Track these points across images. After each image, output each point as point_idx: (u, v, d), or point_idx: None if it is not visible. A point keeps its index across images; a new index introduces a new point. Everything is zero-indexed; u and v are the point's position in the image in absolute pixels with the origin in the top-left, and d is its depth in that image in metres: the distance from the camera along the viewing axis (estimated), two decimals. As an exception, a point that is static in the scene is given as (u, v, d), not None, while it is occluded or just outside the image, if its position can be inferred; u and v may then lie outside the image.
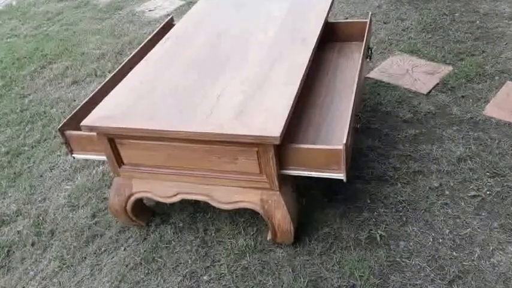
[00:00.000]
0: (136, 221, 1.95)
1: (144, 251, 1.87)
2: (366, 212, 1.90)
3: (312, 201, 1.97)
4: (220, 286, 1.70)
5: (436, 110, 2.40)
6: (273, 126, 1.49)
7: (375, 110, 2.46)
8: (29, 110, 2.91)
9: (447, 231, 1.78)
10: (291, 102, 1.60)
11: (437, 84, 2.57)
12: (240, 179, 1.66)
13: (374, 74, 2.73)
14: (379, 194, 1.97)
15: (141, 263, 1.82)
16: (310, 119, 1.90)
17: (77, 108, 1.88)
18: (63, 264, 1.88)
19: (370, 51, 2.24)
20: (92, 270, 1.83)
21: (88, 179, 2.28)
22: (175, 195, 1.79)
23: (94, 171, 2.33)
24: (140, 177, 1.80)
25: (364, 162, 2.13)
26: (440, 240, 1.75)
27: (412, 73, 2.68)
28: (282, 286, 1.66)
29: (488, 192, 1.91)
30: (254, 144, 1.54)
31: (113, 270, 1.82)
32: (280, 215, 1.67)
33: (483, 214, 1.83)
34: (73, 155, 1.87)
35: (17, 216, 2.15)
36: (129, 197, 1.85)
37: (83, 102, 1.90)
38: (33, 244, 1.99)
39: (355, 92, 1.75)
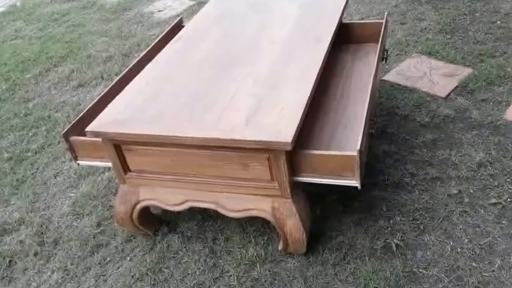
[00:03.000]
0: (142, 229, 1.98)
1: (151, 261, 1.91)
2: (382, 220, 1.92)
3: (326, 209, 1.99)
4: (231, 297, 1.73)
5: (455, 114, 2.41)
6: (284, 132, 1.52)
7: (391, 113, 2.48)
8: (33, 114, 2.98)
9: (466, 240, 1.79)
10: (304, 106, 1.63)
11: (456, 87, 2.58)
12: (250, 186, 1.69)
13: (390, 77, 2.75)
14: (396, 202, 1.98)
15: (147, 274, 1.86)
16: (323, 123, 1.93)
17: (82, 113, 1.93)
18: (67, 275, 1.92)
19: (386, 53, 2.26)
20: (96, 281, 1.87)
21: (93, 186, 2.33)
22: (183, 202, 1.82)
23: (99, 178, 2.37)
24: (147, 184, 1.84)
25: (380, 168, 2.15)
26: (459, 250, 1.76)
27: (430, 76, 2.70)
28: (294, 298, 1.69)
29: (509, 200, 1.92)
30: (265, 150, 1.57)
31: (118, 281, 1.86)
32: (292, 224, 1.69)
33: (504, 222, 1.84)
34: (77, 162, 1.92)
35: (19, 225, 2.20)
36: (135, 205, 1.89)
37: (88, 106, 1.95)
38: (36, 254, 2.04)
39: (370, 96, 1.78)
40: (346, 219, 1.94)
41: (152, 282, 1.83)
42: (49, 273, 1.94)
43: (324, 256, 1.81)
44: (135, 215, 1.91)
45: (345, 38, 2.44)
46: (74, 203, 2.26)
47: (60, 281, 1.90)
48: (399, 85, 2.68)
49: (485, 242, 1.78)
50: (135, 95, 1.85)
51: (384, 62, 2.25)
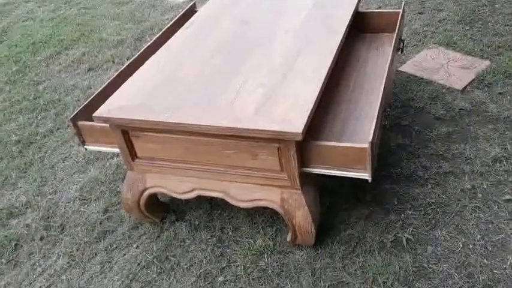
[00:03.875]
0: (149, 217, 1.99)
1: (157, 249, 1.91)
2: (393, 214, 1.90)
3: (336, 202, 1.98)
4: (235, 287, 1.72)
5: (471, 107, 2.37)
6: (295, 122, 1.50)
7: (406, 105, 2.44)
8: (43, 97, 2.98)
9: (478, 236, 1.77)
10: (316, 96, 1.60)
11: (474, 79, 2.54)
12: (259, 176, 1.67)
13: (407, 68, 2.71)
14: (408, 195, 1.96)
15: (153, 262, 1.86)
16: (336, 113, 1.90)
17: (91, 97, 1.92)
18: (73, 261, 1.93)
19: (402, 44, 2.22)
20: (102, 268, 1.88)
21: (101, 171, 2.33)
22: (191, 191, 1.82)
23: (108, 163, 2.38)
24: (155, 171, 1.83)
25: (392, 161, 2.13)
26: (471, 246, 1.74)
27: (447, 67, 2.65)
28: (301, 290, 1.68)
29: (525, 197, 1.89)
30: (275, 140, 1.55)
31: (124, 268, 1.86)
32: (301, 215, 1.68)
33: (519, 220, 1.81)
34: (85, 147, 1.92)
35: (26, 209, 2.21)
36: (142, 192, 1.89)
37: (98, 91, 1.94)
38: (42, 238, 2.05)
39: (384, 87, 1.75)
40: (356, 212, 1.92)
41: (158, 271, 1.83)
42: (54, 258, 1.96)
43: (332, 249, 1.80)
44: (142, 202, 1.91)
45: (361, 27, 2.40)
46: (82, 188, 2.27)
47: (65, 266, 1.91)
48: (415, 76, 2.64)
49: (498, 239, 1.75)
50: (144, 81, 1.83)
51: (399, 52, 2.21)
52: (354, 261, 1.74)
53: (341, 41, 1.92)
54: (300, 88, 1.66)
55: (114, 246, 1.97)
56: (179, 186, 1.83)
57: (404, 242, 1.78)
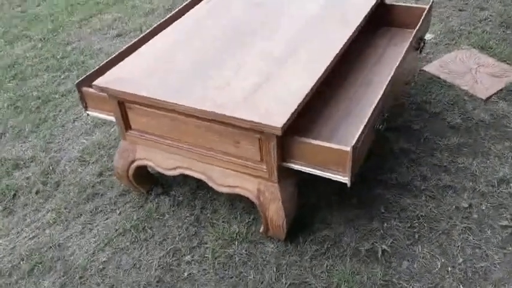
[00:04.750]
0: (137, 187, 2.00)
1: (137, 218, 1.93)
2: (376, 222, 1.80)
3: (321, 200, 1.90)
4: (200, 270, 1.71)
5: (490, 119, 2.19)
6: (278, 115, 1.44)
7: (421, 109, 2.30)
8: (69, 57, 3.06)
9: (461, 260, 1.65)
10: (307, 91, 1.53)
11: (501, 90, 2.33)
12: (239, 164, 1.63)
13: (431, 68, 2.54)
14: (397, 205, 1.86)
15: (130, 230, 1.89)
16: (333, 111, 1.81)
17: (100, 65, 1.93)
18: (59, 218, 1.99)
19: (422, 43, 2.06)
20: (83, 228, 1.93)
21: (105, 136, 2.38)
22: (174, 168, 1.81)
23: (112, 129, 2.42)
24: (144, 144, 1.84)
25: (391, 166, 2.01)
26: (449, 269, 1.63)
27: (475, 73, 2.46)
28: (262, 283, 1.65)
29: (524, 225, 1.74)
30: (257, 131, 1.50)
31: (102, 232, 1.90)
32: (275, 209, 1.63)
33: (509, 249, 1.67)
34: (87, 112, 1.95)
35: (30, 162, 2.30)
36: (131, 162, 1.90)
37: (108, 59, 1.95)
38: (37, 192, 2.13)
39: (384, 89, 1.63)
40: (339, 214, 1.85)
41: (132, 239, 1.85)
42: (44, 213, 2.03)
43: (304, 247, 1.74)
44: (130, 171, 1.93)
45: (386, 21, 2.27)
46: (84, 149, 2.32)
47: (51, 221, 1.98)
48: (438, 78, 2.46)
49: (481, 266, 1.63)
50: (146, 56, 1.83)
51: (419, 52, 2.06)
52: (322, 264, 1.68)
53: (352, 34, 1.81)
54: (293, 81, 1.59)
55: (99, 209, 2.01)
56: (165, 162, 1.82)
57: (380, 253, 1.69)
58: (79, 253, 1.84)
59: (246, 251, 1.75)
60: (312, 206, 1.89)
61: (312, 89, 1.56)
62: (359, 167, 1.55)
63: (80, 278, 1.75)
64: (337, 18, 1.92)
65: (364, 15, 1.92)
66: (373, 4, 2.00)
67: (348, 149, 1.42)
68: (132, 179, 1.95)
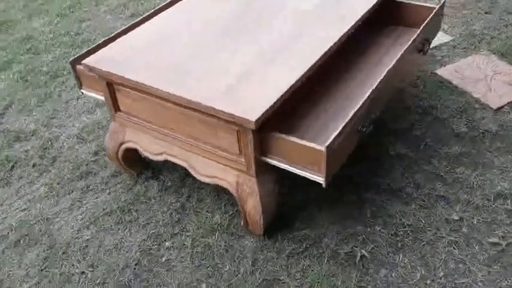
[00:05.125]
0: (127, 169, 2.04)
1: (125, 200, 1.97)
2: (361, 226, 1.78)
3: (307, 198, 1.89)
4: (178, 257, 1.74)
5: (498, 130, 2.12)
6: (255, 109, 1.43)
7: (426, 113, 2.24)
8: (83, 35, 3.12)
9: (442, 273, 1.62)
10: (287, 88, 1.51)
11: (514, 100, 2.25)
12: (219, 155, 1.64)
13: (444, 72, 2.46)
14: (384, 210, 1.83)
15: (116, 211, 1.93)
16: (325, 110, 1.79)
17: (97, 43, 1.96)
18: (50, 193, 2.05)
19: (427, 45, 2.01)
20: (72, 205, 1.98)
21: (105, 116, 2.42)
22: (160, 153, 1.83)
23: (114, 110, 2.45)
24: (132, 127, 1.86)
25: (385, 170, 1.98)
26: (428, 282, 1.60)
27: (490, 80, 2.37)
28: (236, 276, 1.66)
29: (514, 244, 1.68)
30: (235, 123, 1.50)
31: (90, 210, 1.95)
32: (252, 204, 1.63)
33: (495, 268, 1.62)
34: (82, 90, 1.99)
35: (31, 136, 2.37)
36: (121, 144, 1.93)
37: (105, 38, 1.97)
38: (34, 166, 2.19)
39: (373, 91, 1.59)
40: (323, 214, 1.83)
41: (117, 220, 1.89)
42: (37, 186, 2.09)
43: (282, 244, 1.74)
44: (120, 153, 1.96)
45: (394, 19, 2.21)
46: (84, 127, 2.37)
47: (43, 196, 2.04)
48: (450, 83, 2.39)
49: (462, 283, 1.59)
50: (139, 39, 1.84)
51: (422, 54, 2.00)
52: (298, 263, 1.68)
53: (348, 31, 1.78)
54: (279, 75, 1.57)
55: (90, 188, 2.05)
56: (151, 146, 1.84)
57: (358, 258, 1.67)
58: (65, 229, 1.89)
59: (225, 242, 1.77)
60: (297, 203, 1.88)
61: (292, 85, 1.53)
62: (338, 168, 1.53)
63: (63, 253, 1.80)
64: (335, 14, 1.87)
65: (363, 13, 1.87)
66: (375, 1, 1.95)
67: (322, 148, 1.40)
68: (122, 161, 1.99)
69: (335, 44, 1.71)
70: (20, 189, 2.09)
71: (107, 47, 1.81)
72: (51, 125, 2.42)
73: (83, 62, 1.76)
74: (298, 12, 1.90)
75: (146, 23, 1.95)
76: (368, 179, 1.95)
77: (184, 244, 1.78)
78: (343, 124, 1.46)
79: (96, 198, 2.00)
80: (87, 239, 1.84)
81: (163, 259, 1.74)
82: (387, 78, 1.68)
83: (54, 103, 2.56)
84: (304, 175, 1.51)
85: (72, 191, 2.05)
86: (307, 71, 1.59)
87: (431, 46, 2.62)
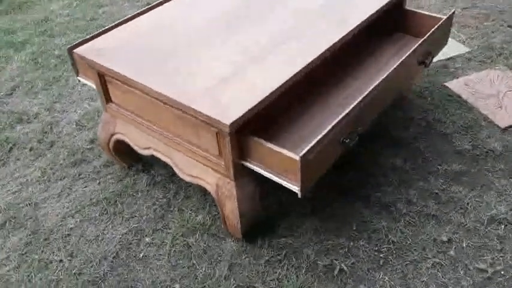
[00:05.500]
0: (118, 160, 2.06)
1: (112, 191, 1.99)
2: (344, 239, 1.75)
3: (293, 205, 1.87)
4: (156, 254, 1.74)
5: (503, 151, 2.04)
6: (232, 112, 1.41)
7: (430, 127, 2.17)
8: (98, 20, 3.15)
9: (420, 296, 1.57)
10: (270, 91, 1.48)
11: (524, 120, 2.16)
12: (201, 155, 1.63)
13: (455, 85, 2.38)
14: (371, 225, 1.79)
15: (102, 202, 1.94)
16: (314, 117, 1.75)
17: (98, 31, 1.97)
18: (43, 177, 2.08)
19: (430, 58, 1.93)
20: (61, 192, 2.01)
21: (107, 105, 2.44)
22: (147, 148, 1.83)
23: (116, 99, 2.47)
24: (123, 119, 1.87)
25: (379, 183, 1.93)
26: (404, 304, 1.56)
27: (502, 97, 2.28)
28: (210, 279, 1.65)
29: (502, 273, 1.62)
30: (213, 125, 1.49)
31: (77, 199, 1.97)
32: (230, 207, 1.62)
33: (477, 295, 1.57)
34: (78, 78, 2.00)
35: (34, 119, 2.41)
36: (111, 135, 1.95)
37: (107, 27, 1.98)
38: (31, 149, 2.23)
39: (357, 104, 1.54)
40: (307, 223, 1.80)
41: (102, 211, 1.91)
42: (31, 170, 2.13)
43: (261, 250, 1.72)
44: (111, 144, 1.98)
45: (402, 27, 2.15)
46: (85, 114, 2.40)
47: (35, 180, 2.08)
48: (459, 97, 2.32)
49: (440, 307, 1.55)
50: (133, 30, 1.84)
51: (424, 67, 1.94)
52: (275, 271, 1.66)
53: (346, 36, 1.73)
54: (267, 77, 1.55)
55: (82, 176, 2.08)
56: (139, 140, 1.85)
57: (337, 271, 1.64)
58: (51, 215, 1.92)
59: (205, 243, 1.76)
60: (282, 208, 1.86)
61: (276, 90, 1.50)
62: (317, 178, 1.50)
63: (45, 240, 1.83)
64: (337, 16, 1.83)
65: (365, 17, 1.82)
66: (379, 7, 1.89)
67: (297, 158, 1.37)
68: (113, 152, 2.00)
69: (330, 48, 1.67)
70: (15, 171, 2.14)
71: (101, 37, 1.82)
72: (54, 109, 2.46)
73: (75, 50, 1.77)
74: (298, 12, 1.87)
75: (145, 15, 1.95)
76: (359, 189, 1.91)
77: (164, 241, 1.78)
78: (320, 135, 1.42)
79: (86, 187, 2.03)
80: (71, 228, 1.86)
81: (141, 255, 1.74)
82: (378, 90, 1.63)
83: (60, 87, 2.60)
84: (280, 183, 1.49)
85: (64, 178, 2.08)
86: (295, 75, 1.56)
87: (447, 57, 2.55)
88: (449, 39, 2.71)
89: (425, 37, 1.84)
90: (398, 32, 2.18)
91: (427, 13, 2.08)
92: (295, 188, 1.45)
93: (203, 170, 1.66)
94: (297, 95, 1.82)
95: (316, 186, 1.90)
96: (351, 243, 1.73)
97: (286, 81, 1.53)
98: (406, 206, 1.85)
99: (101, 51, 1.74)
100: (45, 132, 2.32)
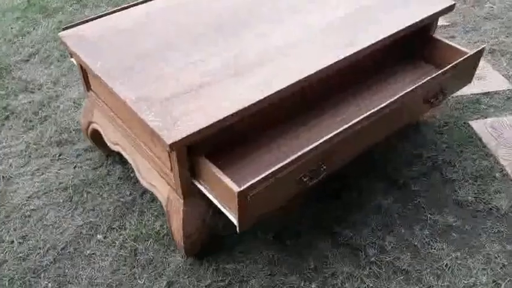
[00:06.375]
0: (97, 147, 2.05)
1: (83, 179, 1.99)
2: (296, 277, 1.63)
3: (257, 229, 1.77)
4: (102, 253, 1.72)
5: (509, 211, 1.81)
6: (179, 130, 1.34)
7: (435, 168, 1.98)
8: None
9: None
10: (229, 113, 1.38)
11: (544, 180, 1.90)
12: (158, 165, 1.57)
13: (479, 125, 2.15)
14: (331, 267, 1.66)
15: (70, 188, 1.95)
16: (286, 145, 1.63)
17: (93, 16, 1.95)
18: (25, 152, 2.12)
19: (441, 97, 1.73)
20: (36, 170, 2.04)
21: (109, 86, 2.44)
22: (116, 144, 1.81)
23: (120, 82, 2.47)
24: (98, 109, 1.85)
25: (355, 221, 1.79)
26: None
27: (529, 148, 2.03)
28: (145, 292, 1.61)
29: None
30: (160, 138, 1.42)
31: (48, 180, 1.99)
32: (176, 224, 1.56)
33: None
34: (71, 59, 2.00)
35: (37, 89, 2.46)
36: (89, 123, 1.94)
37: (103, 12, 1.96)
38: (25, 120, 2.28)
39: (323, 142, 1.40)
40: (264, 252, 1.70)
41: (65, 199, 1.91)
42: (18, 142, 2.18)
43: (206, 272, 1.64)
44: (89, 132, 1.98)
45: (430, 56, 1.95)
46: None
47: (18, 153, 2.12)
48: (479, 140, 2.08)
49: None
50: (121, 22, 1.79)
51: (429, 106, 1.74)
52: (212, 298, 1.59)
53: (350, 56, 1.58)
54: (235, 95, 1.45)
55: (61, 157, 2.10)
56: (111, 134, 1.82)
57: (276, 312, 1.55)
58: (19, 193, 1.95)
59: (153, 253, 1.72)
60: (241, 234, 1.76)
61: (241, 111, 1.39)
62: (261, 215, 1.39)
63: (6, 217, 1.86)
64: (345, 37, 1.68)
65: (374, 41, 1.65)
66: (397, 30, 1.71)
67: (235, 190, 1.27)
68: (91, 138, 2.00)
69: (324, 70, 1.53)
70: (3, 140, 2.19)
71: (87, 24, 1.80)
72: (60, 83, 2.50)
73: (59, 34, 1.76)
74: (305, 23, 1.74)
75: (141, 5, 1.90)
76: (331, 224, 1.78)
77: (114, 242, 1.76)
78: (267, 172, 1.31)
79: (61, 169, 2.04)
80: (33, 209, 1.88)
81: (88, 252, 1.73)
82: (354, 130, 1.48)
83: (70, 63, 2.63)
84: (222, 210, 1.40)
85: (45, 156, 2.11)
86: (266, 98, 1.44)
87: (483, 91, 2.31)
88: (494, 71, 2.46)
89: (435, 74, 1.64)
90: (421, 61, 1.98)
91: (452, 44, 1.87)
92: (234, 220, 1.36)
93: (159, 180, 1.60)
94: (280, 115, 1.69)
95: (287, 211, 1.80)
96: (302, 284, 1.62)
97: (259, 101, 1.42)
98: (377, 254, 1.69)
99: (81, 39, 1.71)
100: (43, 105, 2.36)
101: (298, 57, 1.59)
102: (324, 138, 1.41)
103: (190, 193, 1.51)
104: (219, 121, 1.38)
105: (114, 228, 1.81)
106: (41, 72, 2.59)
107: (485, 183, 1.92)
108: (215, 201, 1.43)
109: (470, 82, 1.87)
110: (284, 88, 1.48)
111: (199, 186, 1.47)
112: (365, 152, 1.62)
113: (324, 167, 1.46)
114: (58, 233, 1.80)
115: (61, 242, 1.76)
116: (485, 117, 2.19)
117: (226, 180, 1.34)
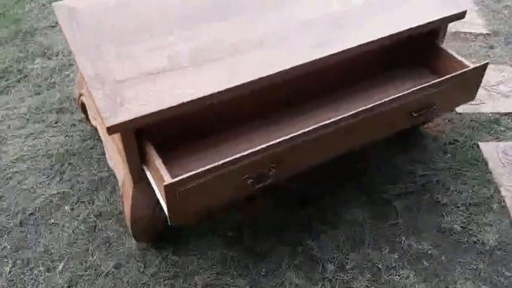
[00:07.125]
0: (86, 119, 2.10)
1: (69, 149, 2.04)
2: (242, 280, 1.59)
3: (222, 224, 1.74)
4: (64, 225, 1.75)
5: (495, 248, 1.66)
6: (125, 114, 1.33)
7: (426, 189, 1.84)
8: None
9: None
10: (180, 102, 1.35)
11: (544, 220, 1.71)
12: (119, 147, 1.58)
13: (489, 148, 1.97)
14: (283, 276, 1.59)
15: (54, 157, 2.01)
16: (249, 141, 1.58)
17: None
18: (24, 116, 2.21)
19: (428, 111, 1.58)
20: (29, 135, 2.11)
21: (119, 61, 2.48)
22: (95, 119, 1.84)
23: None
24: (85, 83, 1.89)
25: (319, 231, 1.71)
26: None
27: (539, 181, 1.83)
28: (94, 269, 1.63)
29: None
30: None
31: (37, 145, 2.06)
32: (127, 208, 1.57)
33: None
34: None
35: (55, 56, 2.55)
36: (80, 95, 1.99)
37: None
38: (34, 85, 2.37)
39: (272, 145, 1.33)
40: (218, 250, 1.67)
41: (49, 165, 1.97)
42: (21, 105, 2.27)
43: (154, 261, 1.64)
44: (80, 103, 2.03)
45: (434, 66, 1.80)
46: (95, 65, 2.47)
47: (18, 116, 2.21)
48: (485, 165, 1.90)
49: None
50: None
51: (415, 119, 1.60)
52: (159, 285, 1.59)
53: (331, 56, 1.50)
54: (205, 82, 1.41)
55: (56, 125, 2.17)
56: (92, 109, 1.85)
57: (212, 313, 1.52)
58: (8, 154, 2.04)
59: (111, 232, 1.74)
60: (207, 225, 1.74)
61: (192, 101, 1.36)
62: (198, 213, 1.37)
63: (-11, 173, 1.96)
64: (319, 36, 1.57)
65: (354, 46, 1.54)
66: (393, 32, 1.59)
67: (164, 182, 1.25)
68: (81, 110, 2.05)
69: (297, 68, 1.46)
70: (10, 101, 2.30)
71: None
72: (68, 55, 2.57)
73: (53, 4, 1.80)
74: (288, 17, 1.66)
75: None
76: (296, 232, 1.71)
77: (78, 215, 1.80)
78: (202, 169, 1.27)
79: (53, 136, 2.11)
80: (15, 171, 1.97)
81: (52, 221, 1.79)
82: (311, 137, 1.40)
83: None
84: (160, 200, 1.39)
85: (42, 121, 2.19)
86: (230, 89, 1.39)
87: (505, 111, 2.11)
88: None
89: (418, 86, 1.51)
90: (426, 70, 1.84)
91: (454, 55, 1.70)
92: (166, 213, 1.34)
93: (119, 162, 1.61)
94: (256, 112, 1.64)
95: (258, 211, 1.76)
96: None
97: (211, 95, 1.38)
98: (335, 270, 1.61)
99: (70, 11, 1.74)
100: (55, 72, 2.45)
101: (273, 52, 1.52)
102: (273, 142, 1.34)
103: (141, 179, 1.50)
104: (168, 109, 1.35)
105: (83, 201, 1.85)
106: (60, 38, 2.68)
107: (477, 212, 1.76)
108: (155, 190, 1.41)
109: (472, 99, 1.71)
110: (248, 82, 1.43)
111: (147, 172, 1.46)
112: (346, 161, 1.53)
113: (274, 171, 1.40)
114: (31, 197, 1.87)
115: (31, 208, 1.83)
116: (499, 140, 2.00)
117: (163, 171, 1.32)
